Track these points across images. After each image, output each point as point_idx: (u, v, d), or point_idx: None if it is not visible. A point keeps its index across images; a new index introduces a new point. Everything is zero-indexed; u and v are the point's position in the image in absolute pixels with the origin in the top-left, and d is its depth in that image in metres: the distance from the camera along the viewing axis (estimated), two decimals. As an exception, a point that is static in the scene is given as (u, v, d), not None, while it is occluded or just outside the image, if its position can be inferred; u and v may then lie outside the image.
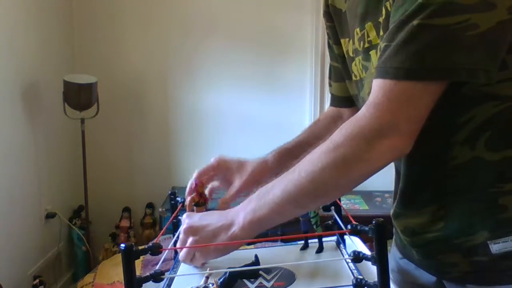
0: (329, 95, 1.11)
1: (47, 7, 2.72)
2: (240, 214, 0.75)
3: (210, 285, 0.71)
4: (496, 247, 0.76)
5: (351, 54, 0.92)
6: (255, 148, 3.23)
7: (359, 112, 0.72)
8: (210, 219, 0.79)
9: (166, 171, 3.11)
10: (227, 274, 0.72)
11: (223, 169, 0.97)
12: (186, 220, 0.82)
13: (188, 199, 0.93)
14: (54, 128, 2.77)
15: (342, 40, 0.96)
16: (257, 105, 3.05)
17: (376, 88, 0.71)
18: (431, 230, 0.82)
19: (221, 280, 0.71)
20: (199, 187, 0.92)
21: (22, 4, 2.46)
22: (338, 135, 0.72)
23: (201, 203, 0.92)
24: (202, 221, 0.79)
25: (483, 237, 0.76)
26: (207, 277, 0.73)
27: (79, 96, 2.62)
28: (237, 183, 0.95)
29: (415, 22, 0.66)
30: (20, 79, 2.44)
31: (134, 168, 3.13)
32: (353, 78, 0.93)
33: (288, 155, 0.98)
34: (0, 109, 2.27)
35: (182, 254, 0.81)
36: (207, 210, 0.93)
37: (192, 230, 0.79)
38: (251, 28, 3.00)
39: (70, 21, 2.99)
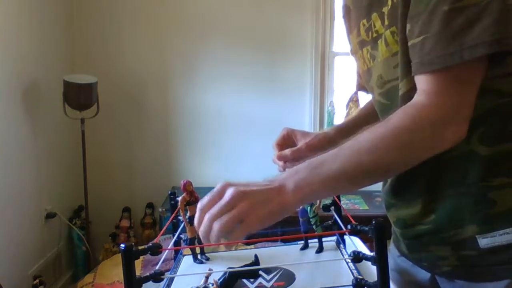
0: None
1: (47, 7, 2.72)
2: (289, 182, 0.70)
3: (210, 285, 0.71)
4: (484, 242, 0.76)
5: (355, 46, 0.94)
6: (255, 148, 3.24)
7: (420, 99, 0.73)
8: (257, 185, 0.71)
9: (166, 171, 3.11)
10: (227, 274, 0.71)
11: (291, 138, 1.04)
12: (228, 187, 0.70)
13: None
14: (54, 128, 2.77)
15: (350, 36, 0.98)
16: (257, 105, 3.05)
17: (428, 80, 0.72)
18: (422, 222, 0.83)
19: (221, 280, 0.71)
20: (187, 186, 0.91)
21: (22, 4, 2.46)
22: (403, 119, 0.72)
23: (192, 201, 0.92)
24: (249, 187, 0.70)
25: (472, 231, 0.77)
26: (207, 277, 0.73)
27: (79, 96, 2.62)
28: (300, 144, 1.01)
29: (445, 8, 0.68)
30: (20, 79, 2.44)
31: (134, 168, 3.14)
32: (362, 68, 0.94)
33: (347, 131, 1.04)
34: (0, 109, 2.27)
35: (218, 227, 0.66)
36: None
37: (240, 194, 0.67)
38: (251, 28, 3.01)
39: (70, 21, 2.99)
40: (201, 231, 0.67)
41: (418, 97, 0.73)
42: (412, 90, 0.76)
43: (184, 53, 3.02)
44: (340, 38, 3.03)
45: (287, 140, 1.05)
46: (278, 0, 2.98)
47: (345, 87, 3.05)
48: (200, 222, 0.68)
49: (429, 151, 0.72)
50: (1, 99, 2.28)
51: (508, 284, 0.76)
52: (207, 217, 0.67)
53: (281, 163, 1.03)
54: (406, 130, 0.71)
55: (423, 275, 0.90)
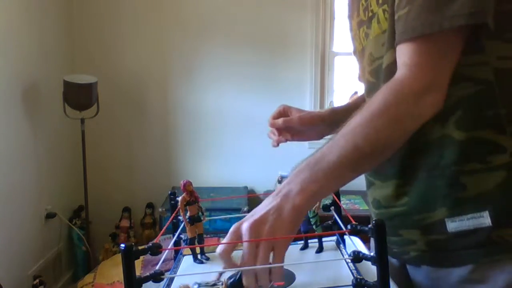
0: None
1: (47, 7, 2.72)
2: (293, 185, 0.70)
3: (220, 283, 0.71)
4: (452, 225, 0.78)
5: (355, 28, 0.97)
6: (255, 148, 3.24)
7: (401, 73, 0.76)
8: (261, 208, 0.69)
9: (166, 171, 3.11)
10: (239, 275, 0.69)
11: (287, 113, 1.09)
12: (239, 227, 0.68)
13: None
14: (54, 128, 2.77)
15: (352, 20, 1.00)
16: (257, 105, 3.05)
17: (410, 50, 0.75)
18: (396, 204, 0.85)
19: (231, 280, 0.69)
20: (187, 186, 0.91)
21: (22, 4, 2.46)
22: (387, 95, 0.75)
23: (192, 201, 0.92)
24: (256, 214, 0.68)
25: (442, 214, 0.79)
26: (220, 274, 0.73)
27: (79, 96, 2.62)
28: (293, 115, 1.07)
29: None
30: (20, 79, 2.44)
31: (134, 168, 3.13)
32: (357, 49, 0.97)
33: (340, 114, 1.06)
34: (0, 109, 2.27)
35: (263, 274, 0.65)
36: (199, 208, 0.92)
37: (256, 227, 0.66)
38: (251, 28, 3.01)
39: (70, 21, 2.99)
40: (247, 285, 0.66)
41: (399, 72, 0.76)
42: (395, 63, 0.78)
43: (184, 53, 3.02)
44: (340, 38, 3.03)
45: (282, 115, 1.09)
46: (278, 0, 2.98)
47: (345, 87, 3.05)
48: (225, 257, 0.66)
49: (416, 121, 0.75)
50: (1, 99, 2.28)
51: (472, 269, 0.78)
52: (246, 275, 0.66)
53: (274, 137, 1.08)
54: (391, 104, 0.74)
55: (394, 262, 0.91)
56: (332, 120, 1.04)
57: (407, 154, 0.82)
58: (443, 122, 0.78)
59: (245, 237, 0.66)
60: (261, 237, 0.65)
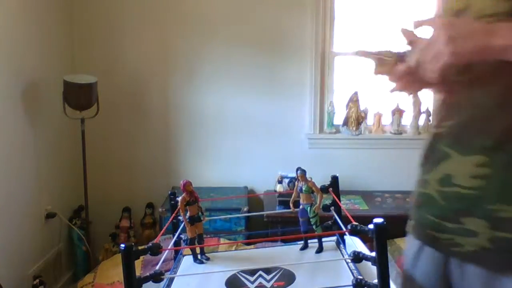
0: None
1: (47, 7, 2.72)
2: (499, 33, 0.67)
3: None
4: None
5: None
6: (255, 148, 3.23)
7: None
8: (466, 25, 0.71)
9: (166, 171, 3.11)
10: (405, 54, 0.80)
11: None
12: (440, 24, 0.71)
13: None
14: (54, 128, 2.77)
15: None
16: (257, 105, 3.05)
17: None
18: (469, 185, 0.75)
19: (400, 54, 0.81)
20: (187, 186, 0.91)
21: (22, 4, 2.46)
22: None
23: (192, 201, 0.92)
24: (456, 27, 0.70)
25: None
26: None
27: (79, 96, 2.62)
28: None
29: None
30: (20, 79, 2.44)
31: (134, 168, 3.13)
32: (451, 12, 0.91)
33: None
34: (0, 109, 2.27)
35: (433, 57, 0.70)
36: (199, 208, 0.93)
37: (446, 26, 0.70)
38: (251, 29, 3.01)
39: (70, 21, 2.99)
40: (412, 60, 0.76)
41: None
42: None
43: (184, 53, 3.02)
44: (340, 38, 3.03)
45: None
46: (278, 1, 2.98)
47: (345, 87, 3.05)
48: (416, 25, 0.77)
49: None
50: (1, 99, 2.28)
51: None
52: (416, 54, 0.74)
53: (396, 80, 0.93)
54: None
55: (433, 264, 0.83)
56: None
57: (502, 127, 0.72)
58: None
59: (436, 30, 0.71)
60: (439, 40, 0.70)
